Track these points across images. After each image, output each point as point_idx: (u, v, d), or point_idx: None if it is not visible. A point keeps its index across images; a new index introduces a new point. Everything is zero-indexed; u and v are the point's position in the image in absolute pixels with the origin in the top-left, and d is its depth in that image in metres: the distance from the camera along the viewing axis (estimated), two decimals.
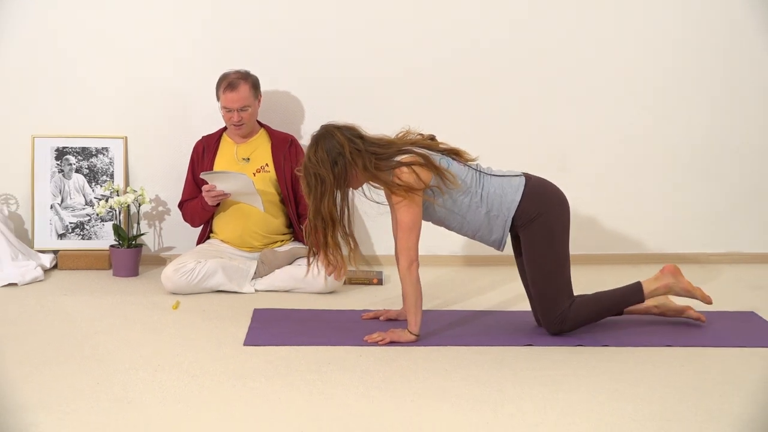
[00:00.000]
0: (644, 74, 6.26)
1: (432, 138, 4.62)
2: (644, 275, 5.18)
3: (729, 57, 6.27)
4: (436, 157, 4.49)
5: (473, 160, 4.62)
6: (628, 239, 6.34)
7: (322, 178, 4.36)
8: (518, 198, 4.50)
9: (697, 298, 4.70)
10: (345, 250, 4.51)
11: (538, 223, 4.53)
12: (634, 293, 4.66)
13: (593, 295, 4.70)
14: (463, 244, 6.14)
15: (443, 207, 4.53)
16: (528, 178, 4.59)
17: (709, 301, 4.72)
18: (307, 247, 4.56)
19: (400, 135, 4.59)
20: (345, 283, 5.62)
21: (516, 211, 4.51)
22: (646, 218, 6.36)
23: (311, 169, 4.39)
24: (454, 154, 4.58)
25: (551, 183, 4.68)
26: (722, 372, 4.16)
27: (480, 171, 4.57)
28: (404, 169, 4.39)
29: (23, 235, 6.13)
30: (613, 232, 6.22)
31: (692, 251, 6.38)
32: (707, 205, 6.39)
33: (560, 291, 4.56)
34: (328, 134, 4.43)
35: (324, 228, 4.41)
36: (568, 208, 4.65)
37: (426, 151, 4.50)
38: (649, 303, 4.76)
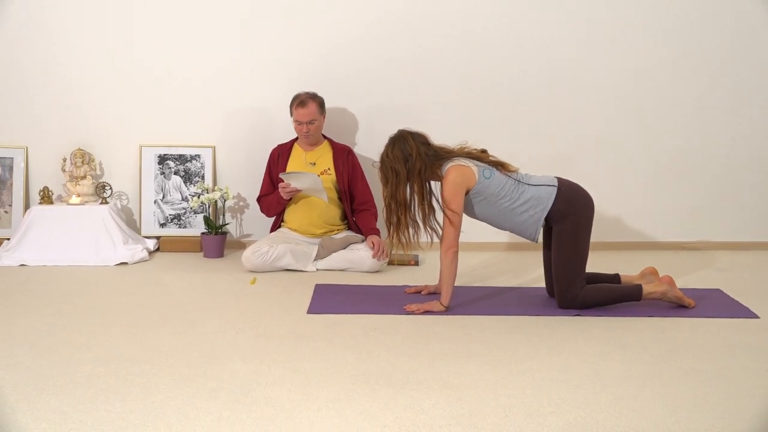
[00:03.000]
0: (634, 93, 6.19)
1: (483, 151, 4.61)
2: (626, 260, 5.12)
3: (702, 80, 6.21)
4: (481, 167, 4.49)
5: (515, 170, 4.59)
6: (617, 229, 6.29)
7: (397, 171, 4.47)
8: (550, 204, 4.48)
9: (684, 304, 4.60)
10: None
11: (568, 221, 4.50)
12: (634, 292, 4.58)
13: (603, 285, 4.63)
14: (503, 234, 6.06)
15: (485, 208, 4.54)
16: (560, 184, 4.54)
17: (693, 306, 4.60)
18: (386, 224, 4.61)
19: (459, 147, 4.59)
20: (388, 264, 5.62)
21: (549, 212, 4.49)
22: (632, 212, 6.29)
23: (388, 164, 4.51)
24: (500, 165, 4.56)
25: (581, 188, 4.63)
26: (693, 338, 4.12)
27: (519, 181, 4.54)
28: (449, 176, 4.44)
29: (132, 224, 6.17)
30: (605, 224, 6.18)
31: (670, 240, 6.31)
32: (683, 202, 6.31)
33: (576, 276, 4.51)
34: (403, 138, 4.52)
35: (398, 210, 4.50)
36: (593, 208, 4.61)
37: (473, 161, 4.50)
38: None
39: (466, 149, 4.58)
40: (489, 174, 4.50)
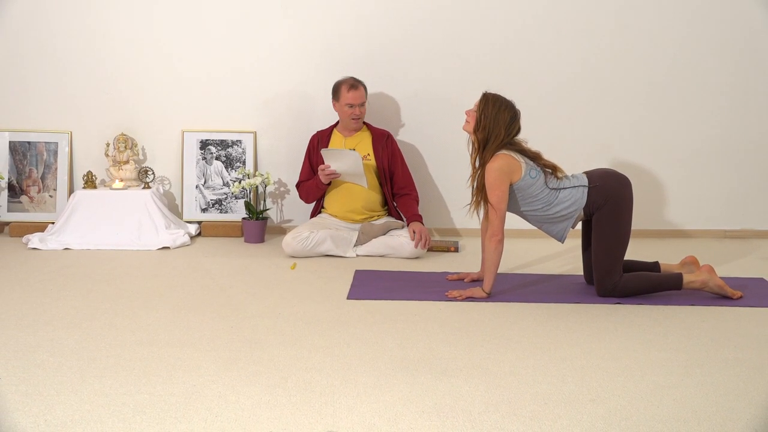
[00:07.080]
0: (676, 79, 6.14)
1: (538, 153, 4.54)
2: (667, 247, 5.06)
3: (741, 72, 6.13)
4: (530, 167, 4.45)
5: (561, 177, 4.50)
6: (658, 217, 6.24)
7: (499, 123, 4.42)
8: (583, 203, 4.43)
9: (727, 294, 4.51)
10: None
11: (606, 209, 4.44)
12: (674, 281, 4.51)
13: (642, 273, 4.56)
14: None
15: (517, 205, 4.52)
16: (590, 180, 4.47)
17: (737, 296, 4.51)
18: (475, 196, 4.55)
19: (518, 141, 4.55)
20: (428, 250, 5.61)
21: (584, 208, 4.45)
22: (674, 199, 6.23)
23: (493, 113, 4.42)
24: (551, 168, 4.50)
25: (611, 171, 4.57)
26: (736, 327, 4.06)
27: (554, 188, 4.46)
28: (496, 162, 4.39)
29: (174, 209, 6.22)
30: (646, 211, 6.12)
31: (712, 228, 6.25)
32: (726, 190, 6.24)
33: (615, 263, 4.46)
34: (516, 114, 4.45)
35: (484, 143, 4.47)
36: (630, 187, 4.52)
37: (524, 158, 4.46)
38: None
39: (524, 144, 4.53)
40: (535, 175, 4.45)
